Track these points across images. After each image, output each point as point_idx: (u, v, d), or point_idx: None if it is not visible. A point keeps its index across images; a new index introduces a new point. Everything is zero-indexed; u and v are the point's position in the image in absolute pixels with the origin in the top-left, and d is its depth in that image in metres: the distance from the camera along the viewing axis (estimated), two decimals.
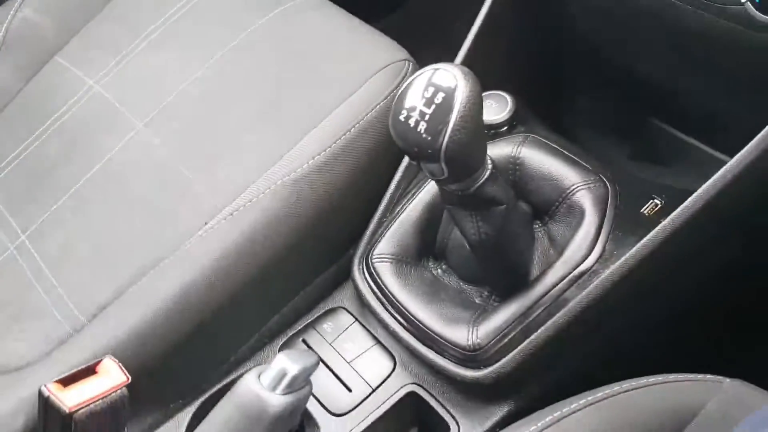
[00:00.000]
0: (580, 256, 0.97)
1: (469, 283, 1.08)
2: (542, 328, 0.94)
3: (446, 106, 0.74)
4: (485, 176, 0.93)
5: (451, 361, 0.99)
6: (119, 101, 1.26)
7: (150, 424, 1.19)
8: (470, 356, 0.98)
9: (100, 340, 1.06)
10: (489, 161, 0.94)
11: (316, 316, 1.16)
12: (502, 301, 1.10)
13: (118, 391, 1.02)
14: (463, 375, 0.98)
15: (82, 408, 0.99)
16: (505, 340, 1.02)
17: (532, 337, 1.02)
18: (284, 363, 0.78)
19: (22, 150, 1.28)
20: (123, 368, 1.03)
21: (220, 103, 1.21)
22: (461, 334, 0.99)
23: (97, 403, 1.00)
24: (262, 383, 0.77)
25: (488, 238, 1.00)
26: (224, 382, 1.12)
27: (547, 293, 1.04)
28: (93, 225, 1.18)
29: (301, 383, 0.79)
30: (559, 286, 0.97)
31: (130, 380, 0.99)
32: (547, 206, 1.05)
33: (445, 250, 1.07)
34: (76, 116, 1.26)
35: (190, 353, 1.08)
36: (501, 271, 1.07)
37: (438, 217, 1.10)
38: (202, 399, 1.10)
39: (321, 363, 1.17)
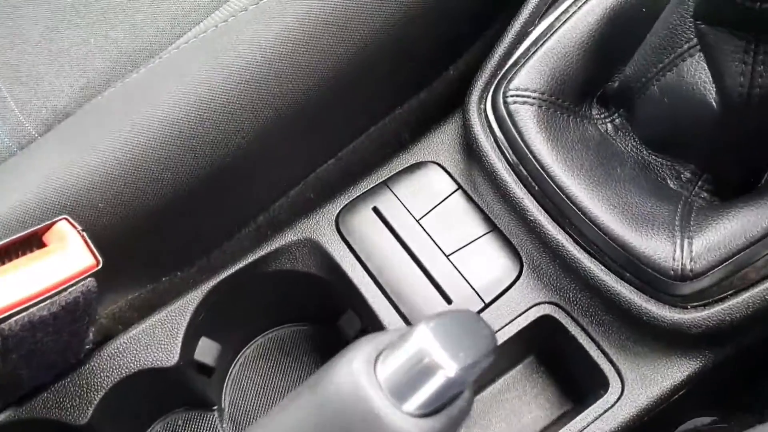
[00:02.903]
0: None
1: (661, 154, 0.73)
2: None
3: None
4: None
5: (634, 286, 0.67)
6: None
7: (126, 305, 0.77)
8: (673, 285, 0.66)
9: (55, 173, 0.70)
10: None
11: (393, 172, 0.81)
12: (722, 193, 0.66)
13: (81, 284, 0.59)
14: (655, 314, 0.67)
15: (15, 316, 0.56)
16: (743, 267, 0.59)
17: None
18: (430, 347, 0.35)
19: None
20: (90, 243, 0.63)
21: None
22: (660, 245, 0.67)
23: (42, 306, 0.58)
24: (380, 382, 0.34)
25: (764, 93, 0.54)
26: (247, 260, 0.80)
27: None
28: None
29: (457, 390, 0.36)
30: None
31: (101, 264, 0.63)
32: None
33: (637, 94, 0.61)
34: None
35: (194, 200, 0.74)
36: (746, 148, 0.61)
37: (624, 37, 0.73)
38: (213, 282, 0.78)
39: (406, 254, 0.74)
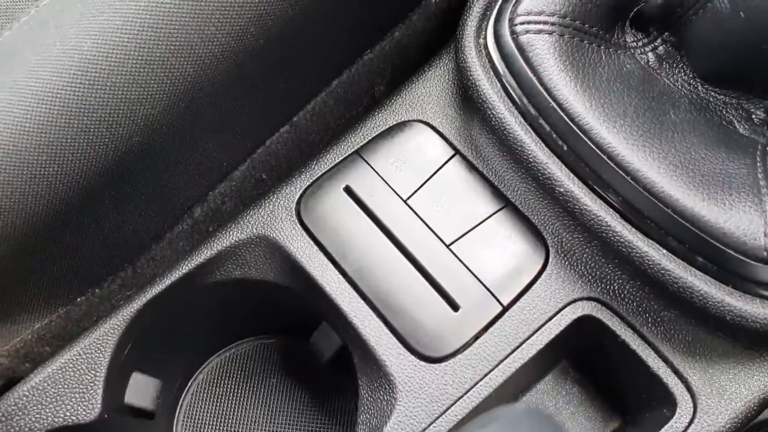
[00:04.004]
0: None
1: (723, 89, 0.57)
2: None
3: None
4: None
5: (710, 275, 0.51)
6: None
7: (32, 338, 0.61)
8: (764, 270, 0.49)
9: None
10: None
11: (368, 138, 0.63)
12: None
13: None
14: (743, 312, 0.50)
15: None
16: None
17: None
18: None
19: None
20: None
21: None
22: (744, 216, 0.50)
23: None
24: None
25: None
26: (182, 269, 0.61)
27: None
28: None
29: None
30: None
31: None
32: None
33: (691, 10, 0.55)
34: None
35: (98, 196, 0.56)
36: None
37: None
38: (141, 301, 0.60)
39: (393, 247, 0.56)
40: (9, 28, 0.56)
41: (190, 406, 0.70)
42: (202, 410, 0.70)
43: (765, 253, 0.47)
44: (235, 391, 0.71)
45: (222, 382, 0.70)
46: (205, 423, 0.70)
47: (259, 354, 0.71)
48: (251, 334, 0.71)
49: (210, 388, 0.70)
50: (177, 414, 0.69)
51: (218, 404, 0.70)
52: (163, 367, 0.64)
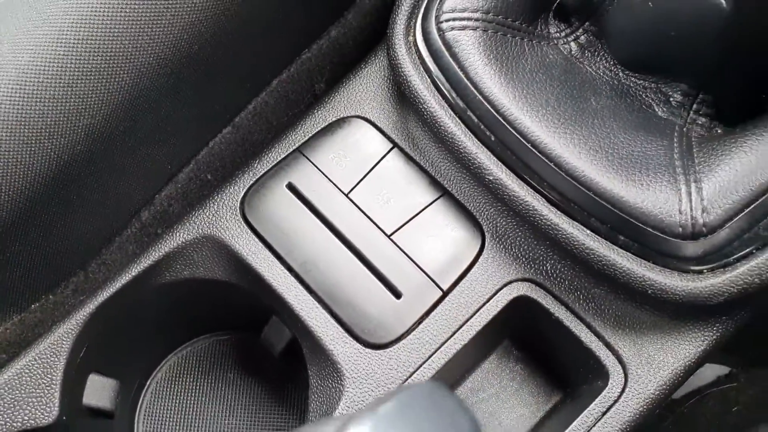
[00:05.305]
0: None
1: (643, 74, 0.60)
2: None
3: None
4: None
5: (631, 252, 0.54)
6: None
7: None
8: (682, 246, 0.52)
9: None
10: None
11: (308, 135, 0.64)
12: (725, 116, 0.51)
13: None
14: (663, 285, 0.53)
15: None
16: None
17: None
18: None
19: None
20: None
21: None
22: (660, 195, 0.52)
23: None
24: None
25: None
26: (131, 272, 0.63)
27: None
28: None
29: None
30: None
31: None
32: None
33: (606, 1, 0.46)
34: None
35: (43, 206, 0.57)
36: (760, 55, 0.47)
37: None
38: (94, 304, 0.61)
39: (337, 240, 0.58)
40: None
41: (150, 403, 0.71)
42: (162, 407, 0.71)
43: (680, 229, 0.50)
44: (194, 387, 0.72)
45: (180, 379, 0.72)
46: (166, 419, 0.71)
47: (214, 350, 0.73)
48: (206, 332, 0.73)
49: (169, 385, 0.72)
50: (138, 412, 0.71)
51: (178, 401, 0.71)
52: (121, 368, 0.65)
